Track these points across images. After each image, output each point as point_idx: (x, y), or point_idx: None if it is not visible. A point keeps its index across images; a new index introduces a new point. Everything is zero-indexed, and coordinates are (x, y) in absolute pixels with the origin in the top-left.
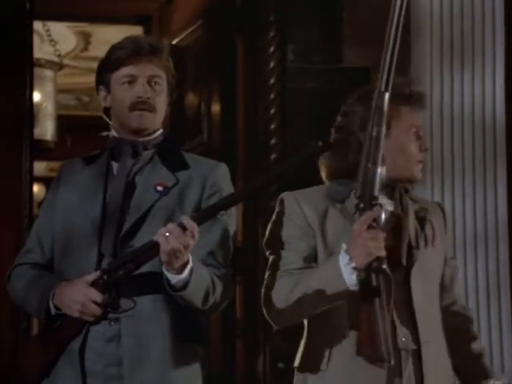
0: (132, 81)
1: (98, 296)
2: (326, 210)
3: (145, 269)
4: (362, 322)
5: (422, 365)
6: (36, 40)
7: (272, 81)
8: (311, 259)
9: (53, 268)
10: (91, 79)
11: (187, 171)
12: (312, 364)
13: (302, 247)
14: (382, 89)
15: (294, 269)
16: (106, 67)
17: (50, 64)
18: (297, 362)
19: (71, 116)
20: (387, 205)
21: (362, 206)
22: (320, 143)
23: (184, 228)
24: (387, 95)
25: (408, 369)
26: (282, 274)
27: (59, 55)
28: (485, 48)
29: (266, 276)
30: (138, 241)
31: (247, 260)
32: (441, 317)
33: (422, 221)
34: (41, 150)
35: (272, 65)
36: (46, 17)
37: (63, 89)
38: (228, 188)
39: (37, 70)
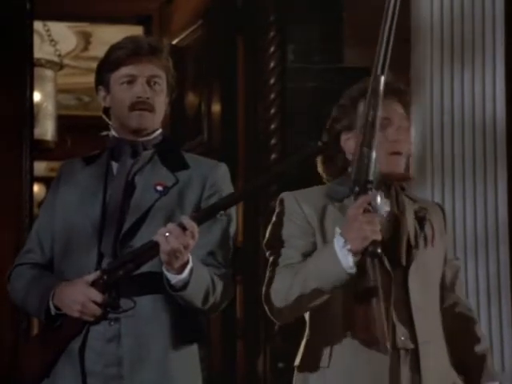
0: (131, 81)
1: (98, 296)
2: (325, 208)
3: (145, 269)
4: (358, 307)
5: (419, 364)
6: (36, 40)
7: (272, 81)
8: (310, 255)
9: (53, 268)
10: (91, 79)
11: (187, 171)
12: (313, 363)
13: (302, 245)
14: (378, 72)
15: (292, 263)
16: (106, 67)
17: (50, 64)
18: (297, 362)
19: (71, 116)
20: (383, 204)
21: (356, 189)
22: (320, 143)
23: (184, 228)
24: (383, 78)
25: (407, 368)
26: (281, 269)
27: (59, 55)
28: (485, 48)
29: (267, 274)
30: (138, 241)
31: (247, 260)
32: (441, 317)
33: (421, 220)
34: (41, 149)
35: (272, 65)
36: (46, 17)
37: (63, 89)
38: (228, 188)
39: (37, 70)
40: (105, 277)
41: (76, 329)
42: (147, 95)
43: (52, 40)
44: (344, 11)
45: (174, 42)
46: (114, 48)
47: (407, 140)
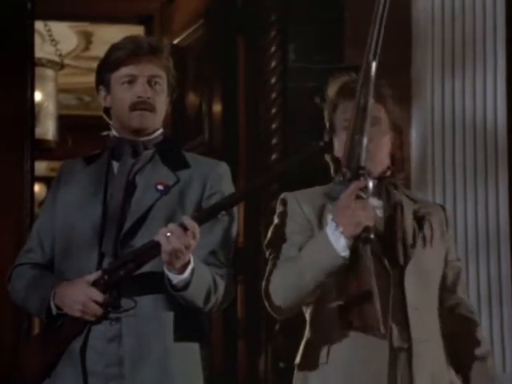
0: (132, 81)
1: (99, 296)
2: (324, 206)
3: (146, 268)
4: (352, 294)
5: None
6: (37, 40)
7: (273, 80)
8: None
9: (53, 268)
10: (92, 79)
11: (188, 170)
12: (312, 360)
13: (300, 240)
14: (370, 58)
15: (291, 257)
16: (106, 67)
17: (51, 64)
18: (297, 360)
19: (72, 116)
20: (375, 203)
21: (348, 175)
22: (321, 143)
23: (185, 228)
24: (374, 64)
25: (402, 367)
26: (281, 263)
27: (60, 55)
28: (486, 49)
29: (267, 269)
30: (139, 240)
31: (248, 259)
32: (440, 317)
33: (420, 220)
34: (42, 149)
35: (273, 64)
36: (47, 16)
37: (64, 88)
38: (228, 187)
39: (38, 70)
40: (106, 277)
41: (77, 328)
42: (148, 95)
43: (53, 40)
44: (345, 11)
45: (175, 42)
46: (114, 48)
47: (379, 144)
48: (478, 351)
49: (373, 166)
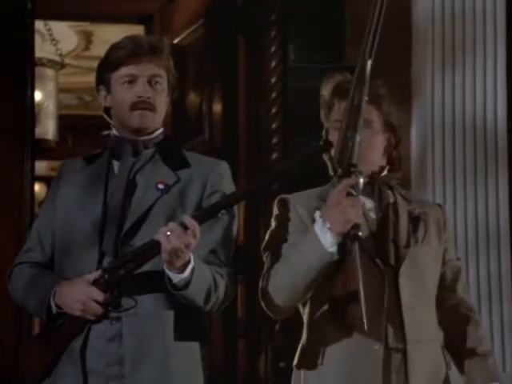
0: (132, 80)
1: (99, 295)
2: (318, 208)
3: (146, 268)
4: (339, 293)
5: (407, 364)
6: (37, 39)
7: (273, 80)
8: None
9: (53, 267)
10: (92, 78)
11: (188, 169)
12: (308, 362)
13: (296, 242)
14: (365, 57)
15: (285, 257)
16: (106, 67)
17: (51, 63)
18: (295, 361)
19: (72, 115)
20: (367, 203)
21: (340, 172)
22: (321, 143)
23: (185, 227)
24: (369, 63)
25: (397, 367)
26: (275, 265)
27: (60, 54)
28: (486, 48)
29: (264, 271)
30: (139, 240)
31: (249, 259)
32: (438, 317)
33: (414, 221)
34: (42, 149)
35: (273, 64)
36: (47, 16)
37: (64, 88)
38: (229, 186)
39: (38, 70)
40: (106, 276)
41: (77, 328)
42: (148, 95)
43: (53, 39)
44: (345, 11)
45: (175, 42)
46: (114, 48)
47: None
48: (478, 350)
49: (364, 167)
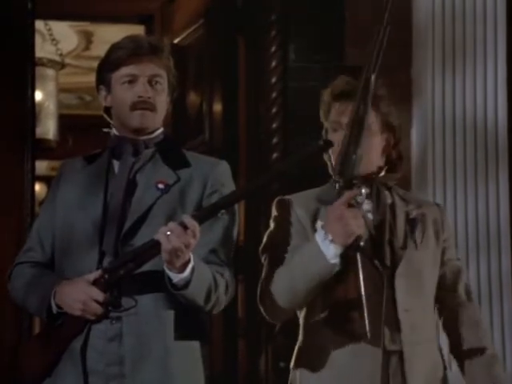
0: (132, 80)
1: (99, 295)
2: (317, 211)
3: (146, 267)
4: (341, 301)
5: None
6: (38, 39)
7: (273, 80)
8: None
9: (53, 267)
10: (93, 78)
11: (188, 169)
12: (305, 361)
13: (295, 245)
14: (369, 73)
15: (285, 262)
16: (106, 67)
17: (51, 63)
18: (292, 363)
19: (73, 115)
20: (364, 203)
21: (341, 184)
22: (321, 142)
23: (185, 227)
24: (373, 77)
25: (394, 370)
26: (275, 268)
27: (61, 54)
28: (487, 48)
29: (262, 275)
30: (139, 239)
31: (249, 259)
32: (439, 317)
33: (412, 222)
34: (42, 149)
35: (273, 64)
36: (47, 16)
37: (65, 88)
38: (229, 186)
39: (39, 70)
40: (106, 276)
41: (78, 327)
42: (148, 95)
43: (53, 39)
44: (345, 11)
45: (176, 42)
46: (114, 48)
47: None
48: (479, 351)
49: (361, 167)
